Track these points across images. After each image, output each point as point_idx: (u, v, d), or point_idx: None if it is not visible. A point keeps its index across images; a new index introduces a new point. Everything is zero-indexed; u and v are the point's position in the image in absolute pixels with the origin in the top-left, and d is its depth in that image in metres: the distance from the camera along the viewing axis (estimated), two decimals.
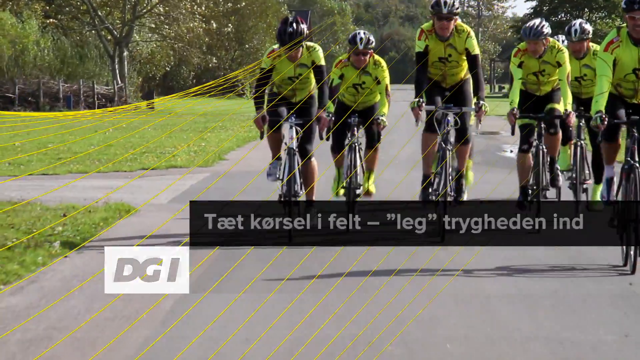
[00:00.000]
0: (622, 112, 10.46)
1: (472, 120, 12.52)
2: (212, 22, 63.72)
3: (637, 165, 10.21)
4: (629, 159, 10.25)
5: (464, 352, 7.34)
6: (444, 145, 11.80)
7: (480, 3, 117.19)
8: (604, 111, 10.03)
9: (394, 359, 7.13)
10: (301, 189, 12.05)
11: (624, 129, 10.66)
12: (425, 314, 8.27)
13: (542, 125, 12.65)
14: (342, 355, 7.10)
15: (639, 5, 9.97)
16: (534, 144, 12.73)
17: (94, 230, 11.94)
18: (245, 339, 7.36)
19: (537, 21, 12.48)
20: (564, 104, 12.37)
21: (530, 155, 12.74)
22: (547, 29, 12.43)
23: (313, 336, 7.41)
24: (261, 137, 12.03)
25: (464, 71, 12.20)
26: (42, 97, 54.59)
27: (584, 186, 13.58)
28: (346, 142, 12.72)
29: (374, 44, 12.44)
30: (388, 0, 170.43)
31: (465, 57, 12.03)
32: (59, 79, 56.29)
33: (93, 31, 61.90)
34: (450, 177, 11.92)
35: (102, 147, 25.38)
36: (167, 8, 62.48)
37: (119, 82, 59.38)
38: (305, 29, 11.80)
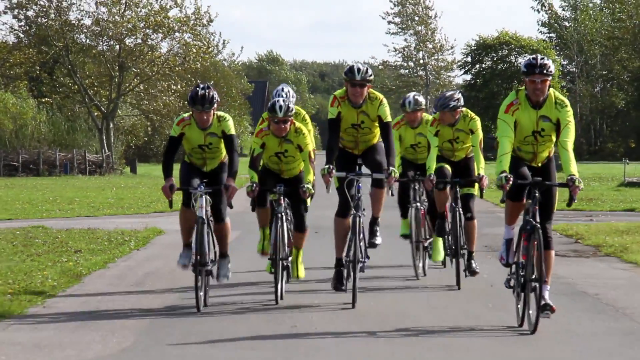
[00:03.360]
0: (525, 170, 10.25)
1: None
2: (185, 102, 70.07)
3: (539, 226, 9.90)
4: (530, 219, 9.96)
5: None
6: (354, 212, 11.62)
7: (428, 72, 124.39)
8: (508, 171, 9.83)
9: None
10: (214, 258, 11.87)
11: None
12: None
13: (457, 189, 13.00)
14: None
15: (540, 70, 9.84)
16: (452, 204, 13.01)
17: (147, 239, 19.87)
18: None
19: (447, 93, 12.88)
20: (478, 168, 12.75)
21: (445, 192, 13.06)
22: (454, 102, 12.74)
23: None
24: (170, 206, 12.04)
25: (377, 137, 12.08)
26: (42, 164, 59.97)
27: (425, 244, 13.80)
28: (269, 199, 12.49)
29: (293, 111, 12.07)
30: (342, 69, 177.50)
31: (377, 124, 11.88)
32: (55, 149, 61.46)
33: (83, 107, 67.37)
34: (362, 244, 11.70)
35: (117, 200, 33.68)
36: (146, 86, 67.80)
37: (107, 150, 64.28)
38: (217, 97, 11.71)
